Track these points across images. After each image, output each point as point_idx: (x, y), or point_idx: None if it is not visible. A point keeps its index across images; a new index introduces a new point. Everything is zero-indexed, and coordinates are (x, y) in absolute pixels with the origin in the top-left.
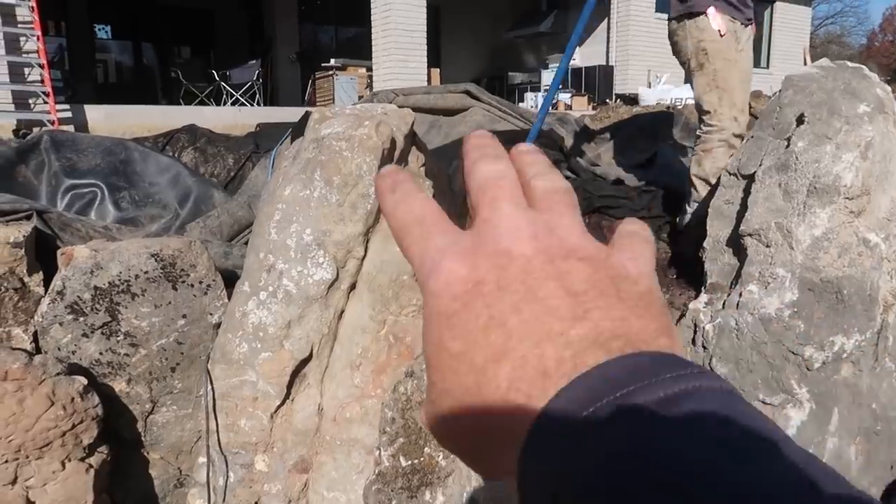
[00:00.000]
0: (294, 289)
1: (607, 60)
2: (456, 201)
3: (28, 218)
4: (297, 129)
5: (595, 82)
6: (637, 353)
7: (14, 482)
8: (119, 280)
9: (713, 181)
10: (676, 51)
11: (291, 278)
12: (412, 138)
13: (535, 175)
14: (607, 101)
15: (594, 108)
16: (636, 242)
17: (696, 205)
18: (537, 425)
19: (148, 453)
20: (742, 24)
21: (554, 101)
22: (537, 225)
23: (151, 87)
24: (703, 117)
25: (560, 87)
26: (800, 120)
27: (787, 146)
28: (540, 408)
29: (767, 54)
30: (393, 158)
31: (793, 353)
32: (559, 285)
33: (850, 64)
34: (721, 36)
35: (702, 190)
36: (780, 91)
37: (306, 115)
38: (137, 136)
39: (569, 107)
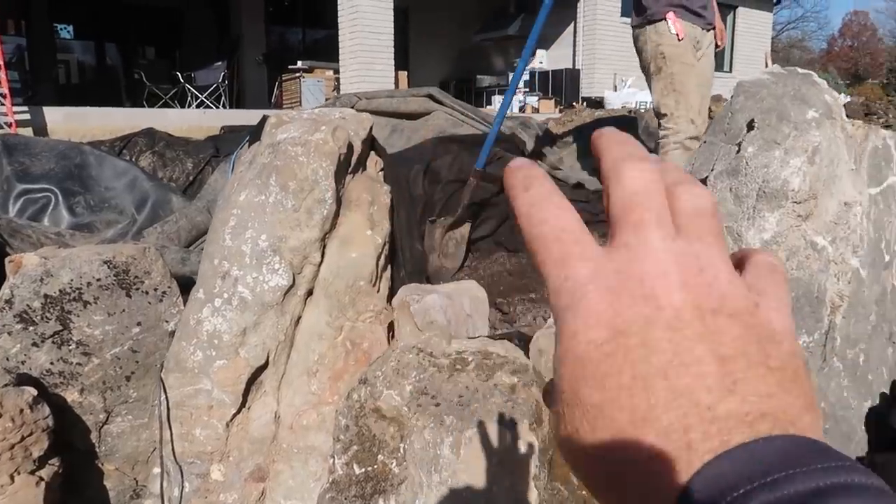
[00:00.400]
0: (249, 295)
1: (574, 64)
2: (415, 207)
3: None
4: (256, 133)
5: (562, 86)
6: (786, 437)
7: None
8: (70, 288)
9: None
10: (640, 58)
11: (247, 285)
12: (371, 143)
13: (679, 185)
14: (574, 104)
15: (560, 112)
16: (778, 283)
17: None
18: (682, 499)
19: (103, 464)
20: (703, 28)
21: (522, 104)
22: (687, 264)
23: (115, 89)
24: (661, 120)
25: (526, 89)
26: (750, 125)
27: (738, 151)
28: (682, 482)
29: (730, 59)
30: (350, 163)
31: None
32: (708, 349)
33: (800, 70)
34: (679, 40)
35: None
36: (731, 97)
37: (264, 119)
38: (98, 139)
39: (536, 110)
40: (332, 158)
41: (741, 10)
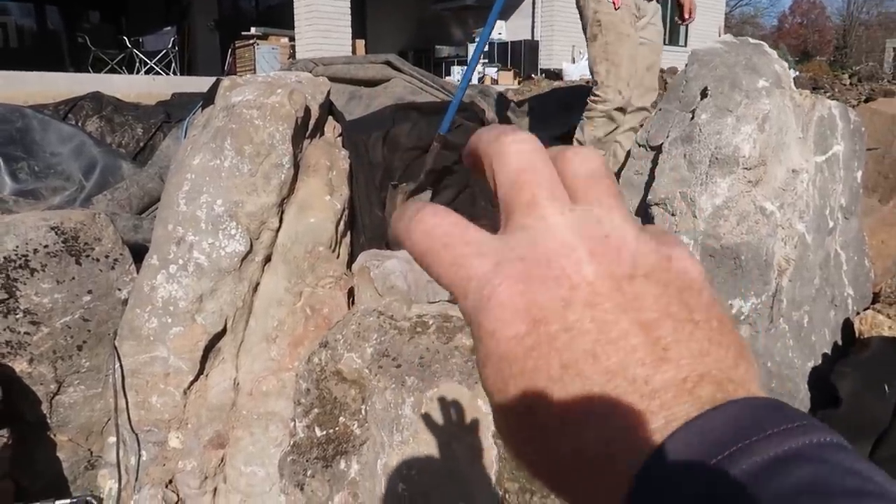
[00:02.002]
0: (205, 262)
1: (532, 35)
2: (374, 174)
3: None
4: (209, 97)
5: (520, 57)
6: (734, 402)
7: None
8: (16, 255)
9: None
10: (581, 23)
11: (202, 251)
12: (328, 107)
13: (564, 152)
14: (532, 75)
15: (519, 83)
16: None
17: None
18: (635, 496)
19: (55, 435)
20: None
21: (480, 76)
22: (590, 233)
23: (57, 54)
24: (592, 87)
25: (485, 60)
26: (703, 93)
27: (692, 118)
28: (632, 475)
29: (686, 33)
30: (308, 127)
31: None
32: (632, 319)
33: (751, 40)
34: (616, 9)
35: None
36: (686, 65)
37: (217, 83)
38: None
39: (495, 81)
40: (289, 122)
41: None
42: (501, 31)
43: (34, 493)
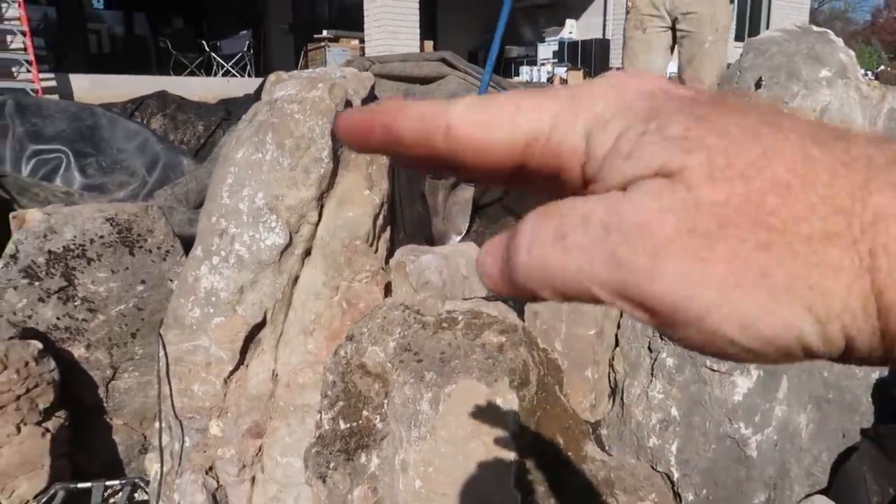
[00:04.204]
0: (246, 254)
1: (604, 34)
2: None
3: None
4: (258, 92)
5: (591, 56)
6: None
7: None
8: (74, 244)
9: None
10: None
11: (244, 243)
12: (372, 102)
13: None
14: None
15: None
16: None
17: None
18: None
19: (111, 419)
20: None
21: (549, 75)
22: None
23: (145, 58)
24: None
25: (554, 60)
26: (758, 84)
27: None
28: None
29: (767, 27)
30: None
31: None
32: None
33: (815, 28)
34: (627, 11)
35: None
36: (741, 55)
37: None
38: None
39: (564, 80)
40: (328, 116)
41: None
42: (572, 29)
43: (91, 474)
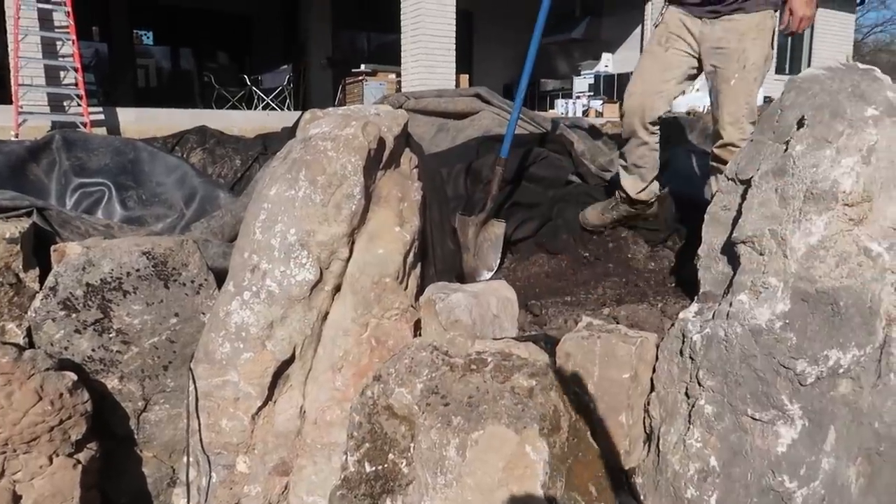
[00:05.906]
0: (277, 289)
1: None
2: (449, 205)
3: (28, 214)
4: (293, 130)
5: None
6: None
7: (1, 476)
8: (111, 277)
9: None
10: None
11: (275, 278)
12: (405, 139)
13: None
14: None
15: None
16: None
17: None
18: None
19: (141, 451)
20: (698, 17)
21: (585, 108)
22: None
23: (189, 92)
24: None
25: (590, 93)
26: (800, 123)
27: (786, 150)
28: None
29: (808, 62)
30: (381, 159)
31: (784, 366)
32: None
33: (861, 65)
34: (655, 25)
35: None
36: (782, 93)
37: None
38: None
39: (600, 114)
40: (361, 154)
41: (820, 12)
42: (608, 63)
43: None
